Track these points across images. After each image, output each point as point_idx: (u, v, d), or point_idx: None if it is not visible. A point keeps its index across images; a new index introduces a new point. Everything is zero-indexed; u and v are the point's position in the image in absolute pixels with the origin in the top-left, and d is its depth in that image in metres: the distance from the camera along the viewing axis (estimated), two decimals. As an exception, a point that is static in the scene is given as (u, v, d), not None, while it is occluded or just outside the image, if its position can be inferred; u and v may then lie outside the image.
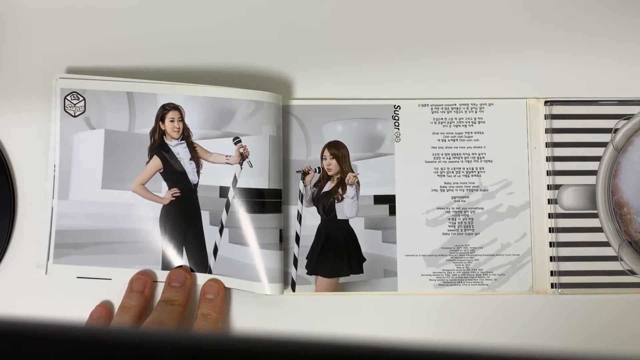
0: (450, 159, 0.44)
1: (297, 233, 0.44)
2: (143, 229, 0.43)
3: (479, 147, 0.44)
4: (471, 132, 0.44)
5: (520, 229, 0.43)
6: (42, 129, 0.44)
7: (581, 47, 0.45)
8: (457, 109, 0.44)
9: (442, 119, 0.44)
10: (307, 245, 0.43)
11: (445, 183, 0.44)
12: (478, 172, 0.44)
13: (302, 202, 0.44)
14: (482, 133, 0.44)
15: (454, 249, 0.43)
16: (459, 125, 0.44)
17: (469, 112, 0.44)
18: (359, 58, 0.45)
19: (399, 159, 0.44)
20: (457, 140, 0.44)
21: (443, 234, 0.43)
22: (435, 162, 0.44)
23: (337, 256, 0.43)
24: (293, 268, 0.43)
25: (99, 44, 0.45)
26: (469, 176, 0.44)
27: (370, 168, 0.44)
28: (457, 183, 0.44)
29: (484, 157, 0.44)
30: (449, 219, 0.44)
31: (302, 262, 0.43)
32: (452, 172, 0.44)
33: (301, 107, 0.44)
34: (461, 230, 0.43)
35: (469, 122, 0.44)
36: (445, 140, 0.44)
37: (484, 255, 0.43)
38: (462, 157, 0.44)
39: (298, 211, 0.44)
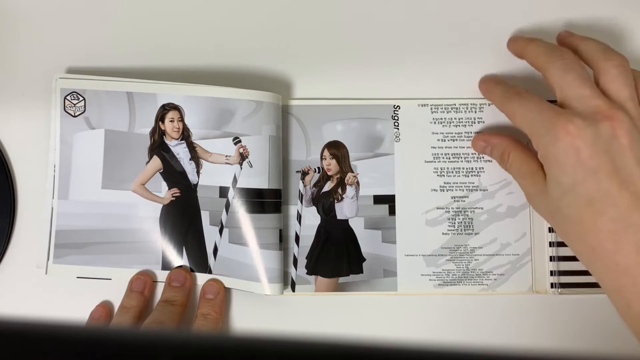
0: (449, 158, 0.44)
1: (296, 233, 0.44)
2: (143, 229, 0.43)
3: (478, 147, 0.44)
4: (471, 132, 0.44)
5: (520, 229, 0.43)
6: (42, 129, 0.44)
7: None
8: (457, 109, 0.44)
9: (441, 118, 0.44)
10: (306, 245, 0.44)
11: (445, 183, 0.44)
12: (478, 172, 0.44)
13: (301, 202, 0.44)
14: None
15: (454, 249, 0.43)
16: (459, 125, 0.44)
17: (469, 112, 0.44)
18: (358, 58, 0.45)
19: (398, 159, 0.44)
20: (456, 140, 0.44)
21: (443, 233, 0.43)
22: (435, 162, 0.44)
23: (336, 256, 0.43)
24: (293, 268, 0.43)
25: (99, 44, 0.45)
26: (468, 176, 0.44)
27: (369, 168, 0.44)
28: (457, 183, 0.44)
29: (483, 157, 0.44)
30: (449, 219, 0.44)
31: (302, 262, 0.43)
32: (452, 172, 0.44)
33: (301, 107, 0.44)
34: (461, 230, 0.43)
35: (469, 122, 0.44)
36: (445, 140, 0.44)
37: (484, 255, 0.43)
38: (461, 157, 0.44)
39: (298, 211, 0.44)
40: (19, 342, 0.16)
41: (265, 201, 0.42)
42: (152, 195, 0.43)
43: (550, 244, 0.43)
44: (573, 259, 0.43)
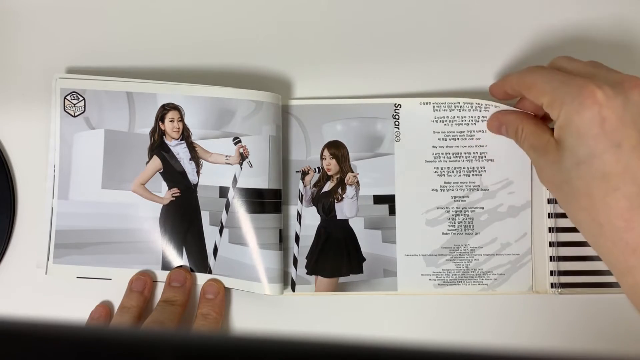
0: (450, 158, 0.44)
1: (296, 233, 0.44)
2: (143, 229, 0.43)
3: (480, 146, 0.44)
4: (473, 131, 0.44)
5: (520, 229, 0.43)
6: (42, 129, 0.44)
7: (582, 47, 0.45)
8: (461, 107, 0.44)
9: (443, 117, 0.44)
10: (306, 245, 0.43)
11: (445, 182, 0.44)
12: (479, 172, 0.44)
13: (301, 202, 0.44)
14: (484, 132, 0.44)
15: (454, 249, 0.43)
16: (461, 124, 0.44)
17: (473, 110, 0.44)
18: (359, 57, 0.45)
19: (398, 159, 0.44)
20: (458, 139, 0.44)
21: (443, 233, 0.43)
22: (436, 161, 0.44)
23: (336, 256, 0.43)
24: (293, 268, 0.43)
25: (99, 44, 0.45)
26: (469, 175, 0.44)
27: (369, 168, 0.44)
28: (458, 182, 0.44)
29: (485, 157, 0.44)
30: (449, 219, 0.44)
31: (302, 262, 0.43)
32: (453, 172, 0.44)
33: (301, 107, 0.44)
34: (461, 230, 0.43)
35: (472, 120, 0.44)
36: (445, 140, 0.44)
37: (484, 255, 0.43)
38: (462, 157, 0.44)
39: (298, 211, 0.44)
40: (19, 342, 0.16)
41: (265, 201, 0.42)
42: (152, 195, 0.43)
43: (551, 244, 0.43)
44: (573, 259, 0.43)
